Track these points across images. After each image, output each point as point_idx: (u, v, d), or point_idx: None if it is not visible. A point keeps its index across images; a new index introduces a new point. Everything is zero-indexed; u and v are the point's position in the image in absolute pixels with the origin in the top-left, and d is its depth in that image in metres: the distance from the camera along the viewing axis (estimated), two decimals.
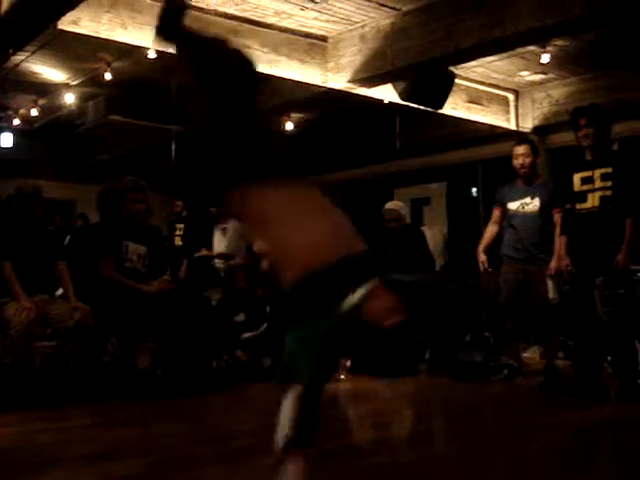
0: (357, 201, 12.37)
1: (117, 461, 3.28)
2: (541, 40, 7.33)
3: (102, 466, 3.26)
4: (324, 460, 3.38)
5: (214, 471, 3.24)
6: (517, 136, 8.61)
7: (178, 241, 8.64)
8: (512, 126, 9.66)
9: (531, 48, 7.71)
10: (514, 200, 6.09)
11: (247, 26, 7.12)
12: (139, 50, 7.25)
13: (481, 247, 6.26)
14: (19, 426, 4.29)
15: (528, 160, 6.02)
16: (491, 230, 6.30)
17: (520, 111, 9.67)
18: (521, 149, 6.07)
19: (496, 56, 7.88)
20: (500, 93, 9.50)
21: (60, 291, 5.52)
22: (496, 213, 6.27)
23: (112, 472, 3.15)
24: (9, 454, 3.62)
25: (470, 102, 9.13)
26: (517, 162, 6.05)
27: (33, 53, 7.92)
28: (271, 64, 7.29)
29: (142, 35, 6.61)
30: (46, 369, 5.19)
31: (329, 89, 7.70)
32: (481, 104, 9.28)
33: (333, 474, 3.13)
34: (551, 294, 5.53)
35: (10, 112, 10.18)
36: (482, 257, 6.20)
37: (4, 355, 4.96)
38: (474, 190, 11.39)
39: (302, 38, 7.49)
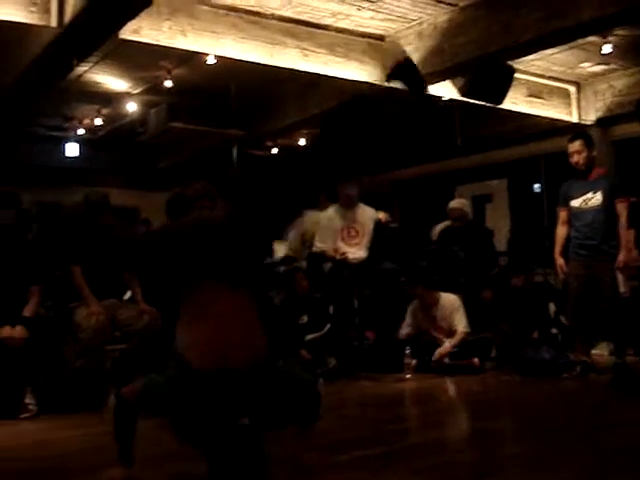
0: (419, 199, 12.36)
1: (185, 461, 3.31)
2: (602, 30, 7.19)
3: (170, 466, 3.29)
4: (386, 460, 3.39)
5: (288, 470, 3.24)
6: (579, 129, 8.48)
7: None
8: (574, 119, 9.49)
9: (592, 39, 7.55)
10: (576, 197, 6.00)
11: (304, 28, 7.15)
12: (198, 56, 7.34)
13: (557, 251, 6.12)
14: (92, 428, 4.37)
15: (583, 155, 5.92)
16: (561, 232, 6.16)
17: (582, 103, 9.50)
18: (575, 146, 5.97)
19: (556, 48, 7.76)
20: (561, 86, 9.36)
21: (128, 295, 5.63)
22: (562, 214, 6.16)
23: (181, 471, 3.19)
24: (81, 455, 3.70)
25: (530, 96, 9.01)
26: (572, 159, 5.97)
27: (96, 63, 8.08)
28: (328, 65, 7.31)
29: (201, 41, 6.70)
30: (116, 372, 5.29)
31: (387, 88, 7.68)
32: (542, 98, 9.15)
33: (393, 474, 3.13)
34: (622, 287, 5.41)
35: (75, 122, 10.40)
36: (560, 261, 6.07)
37: (75, 358, 5.08)
38: (536, 186, 11.24)
39: (359, 38, 7.49)
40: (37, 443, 4.09)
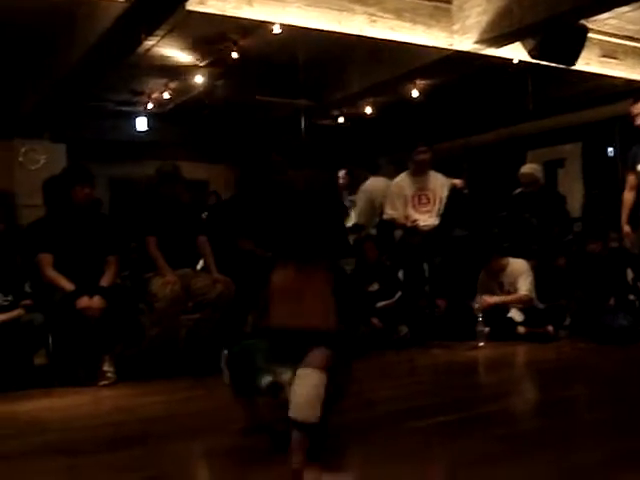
0: (489, 165, 12.15)
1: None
2: None
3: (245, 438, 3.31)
4: (464, 426, 3.37)
5: (354, 439, 3.24)
6: None
7: None
8: None
9: None
10: None
11: None
12: (264, 26, 7.30)
13: (624, 217, 5.96)
14: (169, 395, 4.47)
15: None
16: (628, 197, 5.98)
17: None
18: (636, 109, 5.80)
19: (630, 6, 7.45)
20: (636, 45, 9.01)
21: (201, 264, 5.70)
22: (630, 178, 5.97)
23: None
24: (163, 420, 3.78)
25: (604, 56, 8.72)
26: (636, 122, 5.79)
27: (163, 37, 8.08)
28: (395, 30, 7.20)
29: (267, 10, 6.65)
30: (190, 341, 5.37)
31: (456, 52, 7.53)
32: (616, 58, 8.84)
33: (474, 440, 3.10)
34: None
35: (144, 96, 10.50)
36: (626, 229, 5.92)
37: (151, 327, 5.19)
38: (610, 150, 10.93)
39: (426, 2, 7.34)
40: (117, 410, 4.20)
